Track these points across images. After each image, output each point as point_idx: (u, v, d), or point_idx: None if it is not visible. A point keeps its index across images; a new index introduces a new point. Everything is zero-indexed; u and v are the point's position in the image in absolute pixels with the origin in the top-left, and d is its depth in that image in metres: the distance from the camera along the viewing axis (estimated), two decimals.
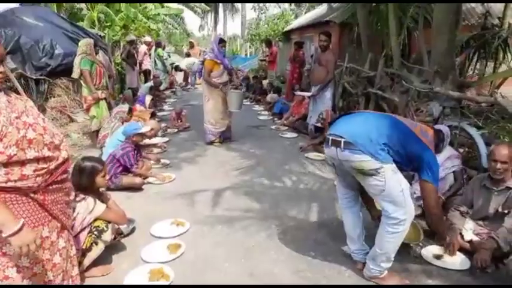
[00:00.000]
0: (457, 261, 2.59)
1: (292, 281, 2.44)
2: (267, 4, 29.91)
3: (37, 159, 1.61)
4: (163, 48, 11.98)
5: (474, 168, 3.62)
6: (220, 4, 32.95)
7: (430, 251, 2.71)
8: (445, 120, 4.07)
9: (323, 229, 3.13)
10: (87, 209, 2.41)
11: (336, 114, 5.57)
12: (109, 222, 2.51)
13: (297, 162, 4.99)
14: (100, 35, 9.34)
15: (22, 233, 1.52)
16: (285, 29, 15.60)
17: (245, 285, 2.42)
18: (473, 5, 10.11)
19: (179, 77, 13.97)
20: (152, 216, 3.30)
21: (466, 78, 6.53)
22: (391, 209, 2.16)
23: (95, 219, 2.44)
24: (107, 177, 3.03)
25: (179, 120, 7.04)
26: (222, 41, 5.60)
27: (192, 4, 19.41)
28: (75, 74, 5.34)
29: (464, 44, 6.58)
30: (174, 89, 12.21)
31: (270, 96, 9.03)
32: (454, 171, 3.29)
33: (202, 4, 20.63)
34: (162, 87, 10.49)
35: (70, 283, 1.92)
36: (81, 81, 5.37)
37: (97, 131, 5.35)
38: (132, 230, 3.03)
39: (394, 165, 2.16)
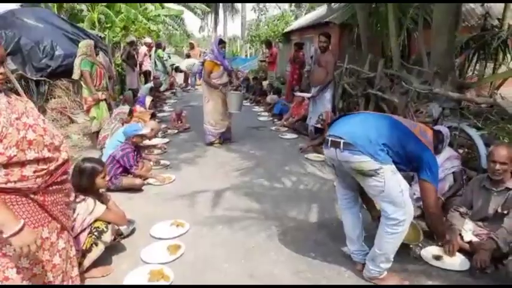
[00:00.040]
0: (457, 262, 2.59)
1: (292, 282, 2.45)
2: (267, 5, 29.94)
3: (37, 160, 1.61)
4: (164, 50, 11.99)
5: (473, 169, 3.62)
6: (221, 5, 33.00)
7: (430, 251, 2.71)
8: (445, 121, 4.08)
9: (323, 230, 3.14)
10: (87, 210, 2.42)
11: (336, 115, 5.58)
12: (109, 223, 2.51)
13: (296, 163, 4.99)
14: (100, 36, 9.36)
15: (23, 233, 1.52)
16: (285, 30, 15.62)
17: (245, 285, 2.42)
18: (473, 6, 10.12)
19: (179, 78, 13.99)
20: (152, 217, 3.30)
21: (465, 79, 6.54)
22: (390, 209, 2.17)
23: (95, 220, 2.45)
24: (107, 178, 3.04)
25: (179, 121, 7.05)
26: (221, 42, 5.61)
27: (192, 5, 19.43)
28: (75, 75, 5.35)
29: (464, 45, 6.59)
30: (174, 90, 12.23)
31: (270, 97, 9.05)
32: (453, 172, 3.29)
33: (203, 5, 20.64)
34: (162, 88, 10.51)
35: (70, 284, 1.92)
36: (82, 83, 5.37)
37: (97, 132, 5.35)
38: (132, 231, 3.03)
39: (393, 165, 2.16)
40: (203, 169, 4.78)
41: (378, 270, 2.33)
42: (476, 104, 4.81)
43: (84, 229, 2.41)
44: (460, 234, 2.71)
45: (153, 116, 6.57)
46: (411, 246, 2.76)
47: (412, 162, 2.28)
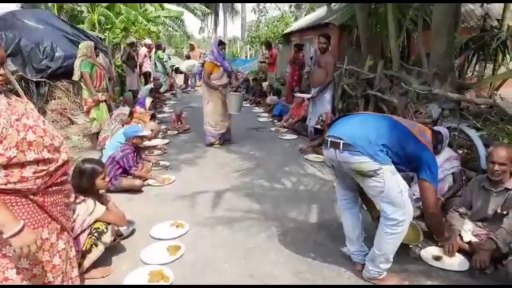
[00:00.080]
0: (456, 262, 2.59)
1: (292, 282, 2.45)
2: (267, 6, 30.00)
3: (37, 161, 1.62)
4: (164, 51, 12.01)
5: (473, 169, 3.63)
6: (221, 6, 33.04)
7: (429, 252, 2.72)
8: (444, 121, 4.09)
9: (323, 230, 3.14)
10: (87, 210, 2.42)
11: (336, 116, 5.58)
12: (109, 224, 2.52)
13: (296, 164, 5.00)
14: (100, 38, 9.38)
15: (23, 234, 1.53)
16: (285, 31, 15.63)
17: (245, 286, 2.42)
18: (472, 7, 10.14)
19: (179, 79, 14.00)
20: (152, 218, 3.30)
21: (465, 80, 6.54)
22: (389, 210, 2.17)
23: (95, 221, 2.45)
24: (107, 179, 3.04)
25: (179, 122, 7.06)
26: (221, 43, 5.62)
27: (192, 6, 19.45)
28: (75, 77, 5.36)
29: (464, 46, 6.60)
30: (174, 91, 12.24)
31: (270, 99, 9.06)
32: (453, 173, 3.30)
33: (203, 6, 20.66)
34: (162, 90, 10.52)
35: (70, 284, 1.92)
36: (82, 84, 5.38)
37: (97, 133, 5.36)
38: (132, 232, 3.04)
39: (392, 166, 2.17)
40: (203, 170, 4.78)
41: (377, 270, 2.33)
42: (475, 105, 4.82)
43: (84, 230, 2.41)
44: (460, 235, 2.72)
45: (152, 117, 6.57)
46: (411, 246, 2.76)
47: (411, 162, 2.28)
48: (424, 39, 6.10)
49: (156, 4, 13.77)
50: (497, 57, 6.87)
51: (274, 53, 11.48)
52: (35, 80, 6.73)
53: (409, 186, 3.07)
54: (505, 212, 2.59)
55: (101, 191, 2.70)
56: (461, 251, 2.66)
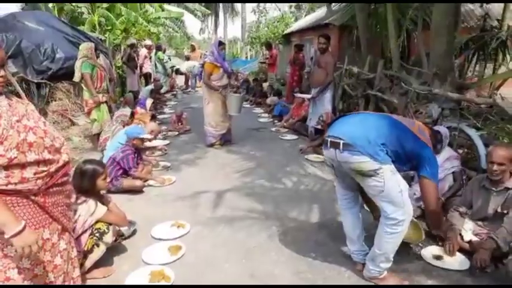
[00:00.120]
0: (457, 261, 2.60)
1: (292, 282, 2.45)
2: (267, 7, 30.01)
3: (37, 162, 1.62)
4: (164, 52, 12.02)
5: (473, 169, 3.63)
6: (221, 7, 33.07)
7: (430, 251, 2.72)
8: (444, 121, 4.09)
9: (323, 230, 3.14)
10: (88, 211, 2.43)
11: (336, 116, 5.59)
12: (110, 224, 2.53)
13: (297, 164, 5.00)
14: (101, 39, 9.39)
15: (24, 234, 1.54)
16: (285, 32, 15.66)
17: (246, 286, 2.43)
18: (472, 7, 10.15)
19: (180, 80, 14.02)
20: (153, 218, 3.31)
21: (465, 80, 6.55)
22: (390, 209, 2.18)
23: (96, 222, 2.46)
24: (108, 179, 3.05)
25: (180, 123, 7.07)
26: (221, 44, 5.63)
27: (192, 7, 19.47)
28: (76, 78, 5.37)
29: (464, 46, 6.60)
30: (174, 92, 12.26)
31: (270, 99, 9.08)
32: (453, 172, 3.30)
33: (203, 7, 20.69)
34: (162, 90, 10.53)
35: (71, 284, 1.93)
36: (82, 85, 5.40)
37: (98, 134, 5.38)
38: (133, 232, 3.04)
39: (392, 165, 2.17)
40: (204, 170, 4.79)
41: (377, 270, 2.34)
42: (476, 105, 4.82)
43: (86, 230, 2.42)
44: (460, 234, 2.72)
45: (153, 118, 6.58)
46: (411, 246, 2.77)
47: (411, 161, 2.29)
48: (424, 39, 6.11)
49: (156, 5, 13.78)
50: (497, 57, 6.88)
51: (274, 54, 11.49)
52: (35, 81, 6.74)
53: (410, 185, 3.07)
54: (505, 211, 2.59)
55: (102, 192, 2.71)
56: (461, 250, 2.67)
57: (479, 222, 2.76)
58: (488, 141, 3.56)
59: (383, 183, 2.14)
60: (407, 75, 5.68)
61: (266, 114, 8.66)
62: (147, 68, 10.76)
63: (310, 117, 6.03)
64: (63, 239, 1.85)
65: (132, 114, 5.71)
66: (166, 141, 6.11)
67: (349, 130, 2.25)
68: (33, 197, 1.65)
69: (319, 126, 5.60)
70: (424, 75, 5.46)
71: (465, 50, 6.57)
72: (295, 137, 6.52)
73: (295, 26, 15.45)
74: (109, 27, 10.97)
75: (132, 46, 9.43)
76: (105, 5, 10.93)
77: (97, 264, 2.49)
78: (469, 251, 2.62)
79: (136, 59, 9.64)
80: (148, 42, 11.38)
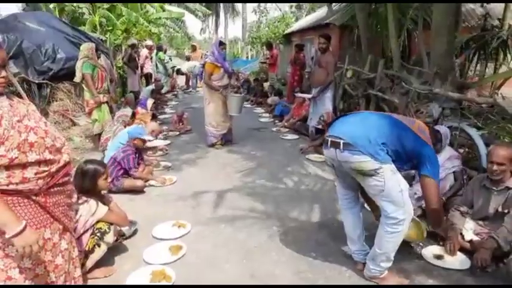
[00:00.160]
0: (458, 260, 2.60)
1: (293, 282, 2.45)
2: (268, 7, 30.01)
3: (38, 162, 1.63)
4: (165, 52, 12.03)
5: (474, 168, 3.63)
6: (221, 7, 33.06)
7: (431, 250, 2.72)
8: (445, 121, 4.09)
9: (324, 230, 3.15)
10: (89, 211, 2.43)
11: (337, 115, 5.58)
12: (111, 224, 2.53)
13: (298, 163, 5.01)
14: (101, 39, 9.40)
15: (25, 234, 1.54)
16: (286, 32, 15.66)
17: (246, 286, 2.43)
18: (472, 6, 10.14)
19: (181, 80, 14.03)
20: (154, 218, 3.32)
21: (466, 80, 6.54)
22: (390, 208, 2.18)
23: (97, 221, 2.47)
24: (109, 180, 3.06)
25: (181, 123, 7.07)
26: (221, 44, 5.64)
27: (193, 7, 19.47)
28: (77, 78, 5.38)
29: (464, 45, 6.59)
30: (175, 92, 12.28)
31: (271, 99, 9.09)
32: (454, 172, 3.30)
33: (203, 7, 20.69)
34: (163, 91, 10.54)
35: (73, 284, 1.94)
36: (83, 85, 5.41)
37: (99, 135, 5.39)
38: (134, 232, 3.05)
39: (393, 165, 2.17)
40: (205, 170, 4.80)
41: (378, 269, 2.34)
42: (476, 104, 4.82)
43: (87, 230, 2.42)
44: (461, 233, 2.72)
45: (153, 118, 6.60)
46: (412, 245, 2.77)
47: (412, 160, 2.29)
48: (424, 39, 6.11)
49: (157, 5, 13.79)
50: (498, 57, 6.86)
51: (275, 54, 11.49)
52: (36, 81, 6.75)
53: (410, 185, 3.08)
54: (506, 211, 2.59)
55: (103, 192, 2.72)
56: (462, 249, 2.67)
57: (480, 222, 2.76)
58: (489, 141, 3.55)
59: (383, 183, 2.14)
60: (408, 74, 5.68)
61: (267, 114, 8.66)
62: (148, 68, 10.78)
63: (310, 117, 6.03)
64: (64, 238, 1.86)
65: (133, 115, 5.72)
66: (167, 141, 6.11)
67: (350, 130, 2.25)
68: (34, 197, 1.66)
69: (319, 126, 5.60)
70: (424, 74, 5.46)
71: (466, 49, 6.56)
72: (296, 136, 6.53)
73: (295, 26, 15.45)
74: (110, 28, 10.98)
75: (133, 46, 9.45)
76: (106, 5, 10.93)
77: (98, 264, 2.50)
78: (470, 251, 2.62)
79: (137, 59, 9.66)
80: (149, 42, 11.40)
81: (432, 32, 5.10)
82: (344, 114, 2.57)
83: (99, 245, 2.44)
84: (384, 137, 2.18)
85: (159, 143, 5.78)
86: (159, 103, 9.39)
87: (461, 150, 3.94)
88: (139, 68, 9.84)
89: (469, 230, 2.74)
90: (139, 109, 6.96)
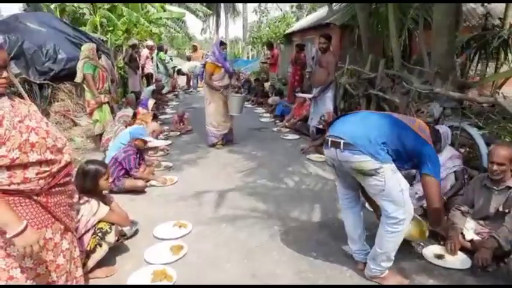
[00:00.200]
0: (458, 260, 2.60)
1: (294, 282, 2.46)
2: (269, 7, 30.03)
3: (39, 162, 1.64)
4: (166, 52, 12.05)
5: (475, 168, 3.62)
6: (222, 7, 33.07)
7: (431, 250, 2.72)
8: (446, 120, 4.09)
9: (325, 229, 3.15)
10: (91, 211, 2.44)
11: (338, 115, 5.58)
12: (112, 224, 2.54)
13: (298, 163, 5.01)
14: (102, 40, 9.41)
15: (26, 234, 1.55)
16: (287, 32, 15.66)
17: (247, 286, 2.43)
18: (473, 6, 10.12)
19: (182, 80, 14.04)
20: (155, 218, 3.33)
21: (467, 79, 6.53)
22: (390, 208, 2.18)
23: (99, 221, 2.47)
24: (110, 180, 3.06)
25: (181, 123, 7.08)
26: (222, 44, 5.64)
27: (193, 7, 19.50)
28: (78, 79, 5.39)
29: (465, 45, 6.58)
30: (176, 93, 12.28)
31: (272, 99, 9.09)
32: (455, 171, 3.30)
33: (204, 7, 20.71)
34: (164, 91, 10.55)
35: (74, 284, 1.94)
36: (84, 86, 5.42)
37: (100, 135, 5.39)
38: (135, 232, 3.05)
39: (393, 165, 2.17)
40: (205, 170, 4.80)
41: (379, 269, 2.34)
42: (477, 104, 4.82)
43: (88, 230, 2.43)
44: (462, 233, 2.72)
45: (154, 118, 6.60)
46: (413, 245, 2.77)
47: (412, 159, 2.29)
48: (425, 38, 6.10)
49: (158, 6, 13.80)
50: (499, 56, 6.85)
51: (275, 54, 11.50)
52: (38, 82, 6.77)
53: (411, 185, 3.08)
54: (506, 210, 2.59)
55: (104, 192, 2.73)
56: (463, 249, 2.67)
57: (481, 221, 2.76)
58: (490, 140, 3.55)
59: (384, 183, 2.14)
60: (409, 74, 5.67)
61: (268, 114, 8.67)
62: (149, 68, 10.78)
63: (311, 116, 6.03)
64: (65, 238, 1.86)
65: (134, 115, 5.73)
66: (168, 142, 6.12)
67: (350, 129, 2.25)
68: (35, 197, 1.67)
69: (320, 126, 5.60)
70: (425, 74, 5.45)
71: (467, 48, 6.55)
72: (296, 136, 6.53)
73: (296, 26, 15.46)
74: (111, 28, 10.99)
75: (133, 47, 9.46)
76: (106, 5, 10.95)
77: (99, 264, 2.51)
78: (471, 250, 2.62)
79: (138, 59, 9.67)
80: (150, 42, 11.41)
81: (433, 31, 5.09)
82: (344, 113, 2.57)
83: (100, 245, 2.45)
84: (384, 137, 2.18)
85: (160, 143, 5.79)
86: (160, 103, 9.40)
87: (462, 150, 3.93)
88: (140, 69, 9.84)
89: (470, 229, 2.74)
90: (140, 109, 6.96)
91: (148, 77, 10.82)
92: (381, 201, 2.23)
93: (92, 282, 2.44)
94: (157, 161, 4.96)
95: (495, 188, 2.67)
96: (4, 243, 1.61)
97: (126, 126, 5.06)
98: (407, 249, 2.68)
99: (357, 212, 2.54)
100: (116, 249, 2.72)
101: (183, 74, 13.42)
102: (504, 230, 2.49)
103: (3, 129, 1.53)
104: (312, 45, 11.53)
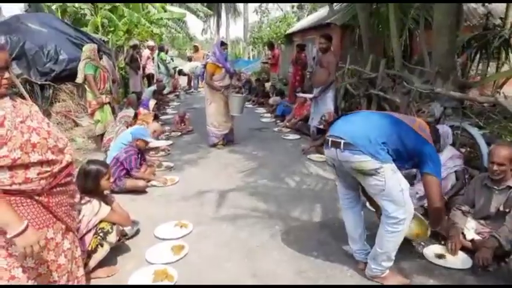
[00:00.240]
0: (459, 260, 2.60)
1: (294, 282, 2.46)
2: (269, 7, 30.04)
3: (41, 163, 1.64)
4: (166, 52, 12.06)
5: (476, 168, 3.63)
6: (223, 7, 33.11)
7: (432, 250, 2.72)
8: (447, 120, 4.09)
9: (325, 229, 3.15)
10: (92, 211, 2.45)
11: (339, 115, 5.58)
12: (114, 224, 2.55)
13: (299, 163, 5.01)
14: (103, 40, 9.44)
15: (26, 234, 1.55)
16: (287, 32, 15.67)
17: (248, 285, 2.44)
18: (474, 5, 10.11)
19: (183, 80, 14.06)
20: (156, 218, 3.33)
21: (468, 79, 6.52)
22: (391, 208, 2.18)
23: (100, 221, 2.48)
24: (111, 180, 3.07)
25: (182, 124, 7.09)
26: (223, 44, 5.65)
27: (194, 8, 19.51)
28: (79, 79, 5.40)
29: (466, 44, 6.58)
30: (177, 93, 12.29)
31: (273, 99, 9.09)
32: (456, 171, 3.30)
33: (205, 8, 20.73)
34: (165, 91, 10.57)
35: (75, 284, 1.95)
36: (86, 86, 5.43)
37: (101, 135, 5.41)
38: (137, 232, 3.06)
39: (393, 164, 2.18)
40: (206, 170, 4.81)
41: (379, 268, 2.34)
42: (478, 103, 4.81)
43: (90, 230, 2.44)
44: (463, 233, 2.72)
45: (155, 118, 6.61)
46: (414, 244, 2.77)
47: (413, 158, 2.29)
48: (426, 38, 6.10)
49: (159, 6, 13.83)
50: (500, 56, 6.84)
51: (276, 54, 11.50)
52: (39, 83, 6.78)
53: (412, 184, 3.08)
54: (507, 210, 2.60)
55: (105, 192, 2.73)
56: (464, 249, 2.67)
57: (482, 221, 2.76)
58: (491, 140, 3.55)
59: (384, 182, 2.15)
60: (410, 74, 5.67)
61: (268, 114, 8.67)
62: (150, 68, 10.79)
63: (312, 116, 6.02)
64: (67, 238, 1.87)
65: (136, 115, 5.74)
66: (169, 142, 6.13)
67: (350, 129, 2.25)
68: (37, 197, 1.67)
69: (321, 126, 5.59)
70: (426, 74, 5.45)
71: (467, 48, 6.54)
72: (297, 136, 6.53)
73: (297, 26, 15.47)
74: (112, 29, 11.02)
75: (134, 47, 9.48)
76: (107, 6, 10.98)
77: (101, 264, 2.51)
78: (472, 250, 2.62)
79: (139, 60, 9.68)
80: (150, 43, 11.42)
81: (434, 31, 5.09)
82: (345, 113, 2.57)
83: (101, 245, 2.46)
84: (385, 137, 2.18)
85: (161, 143, 5.80)
86: (161, 104, 9.41)
87: (463, 150, 3.93)
88: (141, 69, 9.86)
89: (471, 229, 2.74)
90: (141, 110, 6.97)
91: (150, 78, 10.83)
92: (381, 201, 2.23)
93: (93, 282, 2.45)
94: (159, 161, 4.97)
95: (496, 187, 2.67)
96: (6, 243, 1.62)
97: (127, 127, 5.07)
98: (408, 248, 2.68)
99: (357, 212, 2.54)
100: (117, 249, 2.73)
101: (184, 75, 13.43)
102: (505, 230, 2.49)
103: (5, 130, 1.54)
104: (313, 45, 11.54)
